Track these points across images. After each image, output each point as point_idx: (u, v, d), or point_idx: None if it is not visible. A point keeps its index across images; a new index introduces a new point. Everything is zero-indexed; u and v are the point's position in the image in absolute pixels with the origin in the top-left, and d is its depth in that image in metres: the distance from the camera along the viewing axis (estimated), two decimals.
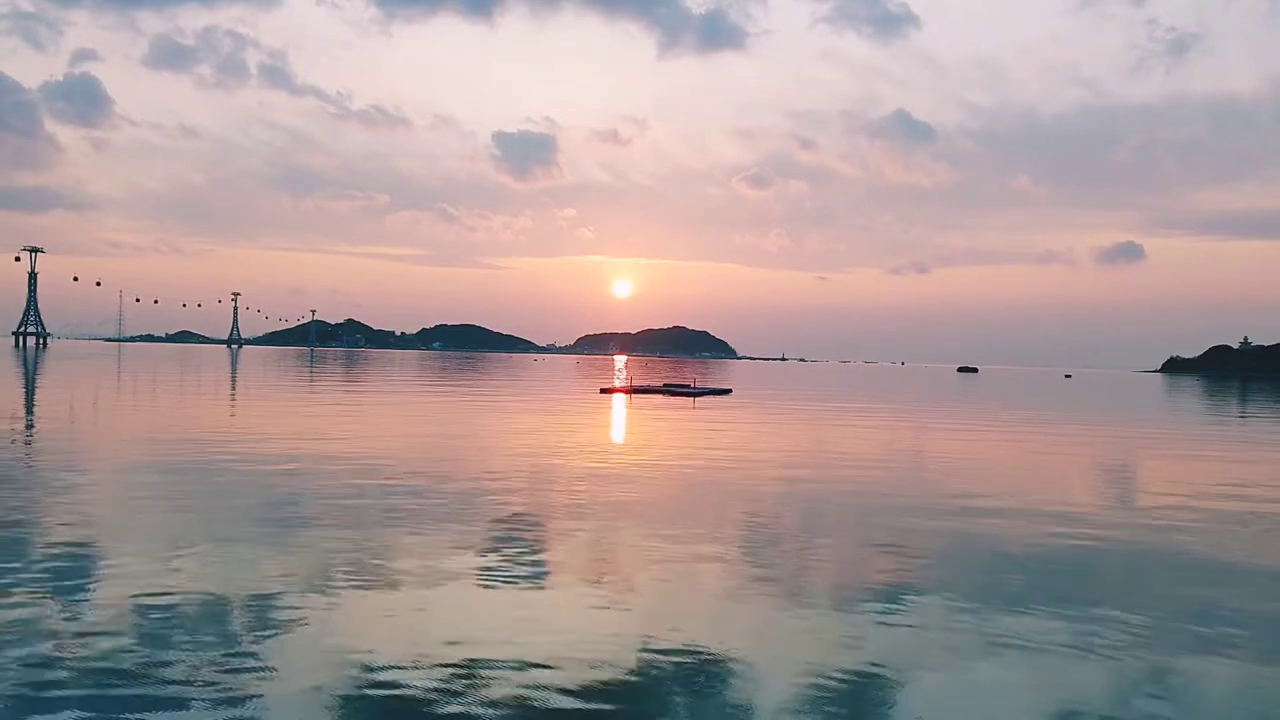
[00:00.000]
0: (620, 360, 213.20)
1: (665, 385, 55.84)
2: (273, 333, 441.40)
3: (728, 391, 56.08)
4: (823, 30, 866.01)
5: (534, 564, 9.60)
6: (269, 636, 6.98)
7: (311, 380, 59.87)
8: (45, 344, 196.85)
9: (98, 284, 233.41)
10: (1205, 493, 16.65)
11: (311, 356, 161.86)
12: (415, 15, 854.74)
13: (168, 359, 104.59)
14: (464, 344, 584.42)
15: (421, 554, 9.82)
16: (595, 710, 5.82)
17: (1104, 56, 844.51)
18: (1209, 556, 11.09)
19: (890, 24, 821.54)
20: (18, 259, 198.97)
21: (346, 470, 16.20)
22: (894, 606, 8.32)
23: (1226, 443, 30.59)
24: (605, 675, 6.40)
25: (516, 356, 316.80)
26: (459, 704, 5.84)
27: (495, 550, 10.14)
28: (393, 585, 8.56)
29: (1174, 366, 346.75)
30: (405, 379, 66.62)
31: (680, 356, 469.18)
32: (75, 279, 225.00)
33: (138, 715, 5.53)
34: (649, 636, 7.27)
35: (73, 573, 8.63)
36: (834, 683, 6.37)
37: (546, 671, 6.41)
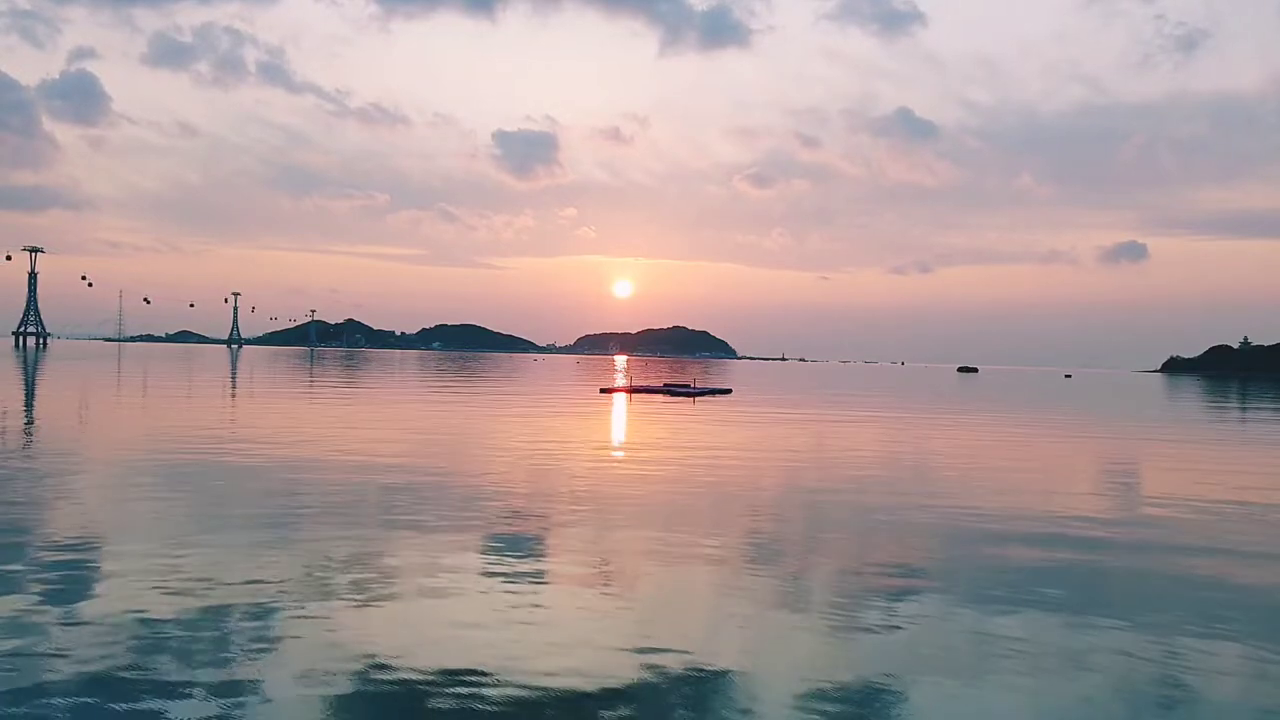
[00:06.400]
0: (620, 360, 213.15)
1: (665, 385, 55.85)
2: (273, 333, 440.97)
3: (728, 391, 56.09)
4: (826, 27, 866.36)
5: (534, 564, 9.60)
6: (269, 637, 6.98)
7: (311, 380, 59.86)
8: (45, 344, 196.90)
9: (83, 278, 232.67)
10: (1204, 492, 16.65)
11: (311, 356, 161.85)
12: (415, 12, 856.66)
13: (168, 359, 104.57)
14: (464, 344, 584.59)
15: (422, 554, 9.83)
16: (596, 712, 5.83)
17: (1110, 53, 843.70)
18: (1210, 556, 11.08)
19: (895, 21, 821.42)
20: (9, 258, 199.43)
21: (346, 470, 16.21)
22: (895, 608, 8.33)
23: (1225, 442, 30.59)
24: (606, 677, 6.40)
25: (516, 356, 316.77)
26: (459, 705, 5.84)
27: (495, 551, 10.14)
28: (393, 586, 8.56)
29: (1174, 366, 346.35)
30: (405, 379, 66.62)
31: (680, 356, 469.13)
32: (88, 284, 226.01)
33: (136, 715, 5.54)
34: (650, 637, 7.28)
35: (72, 573, 8.63)
36: (834, 684, 6.37)
37: (547, 672, 6.42)
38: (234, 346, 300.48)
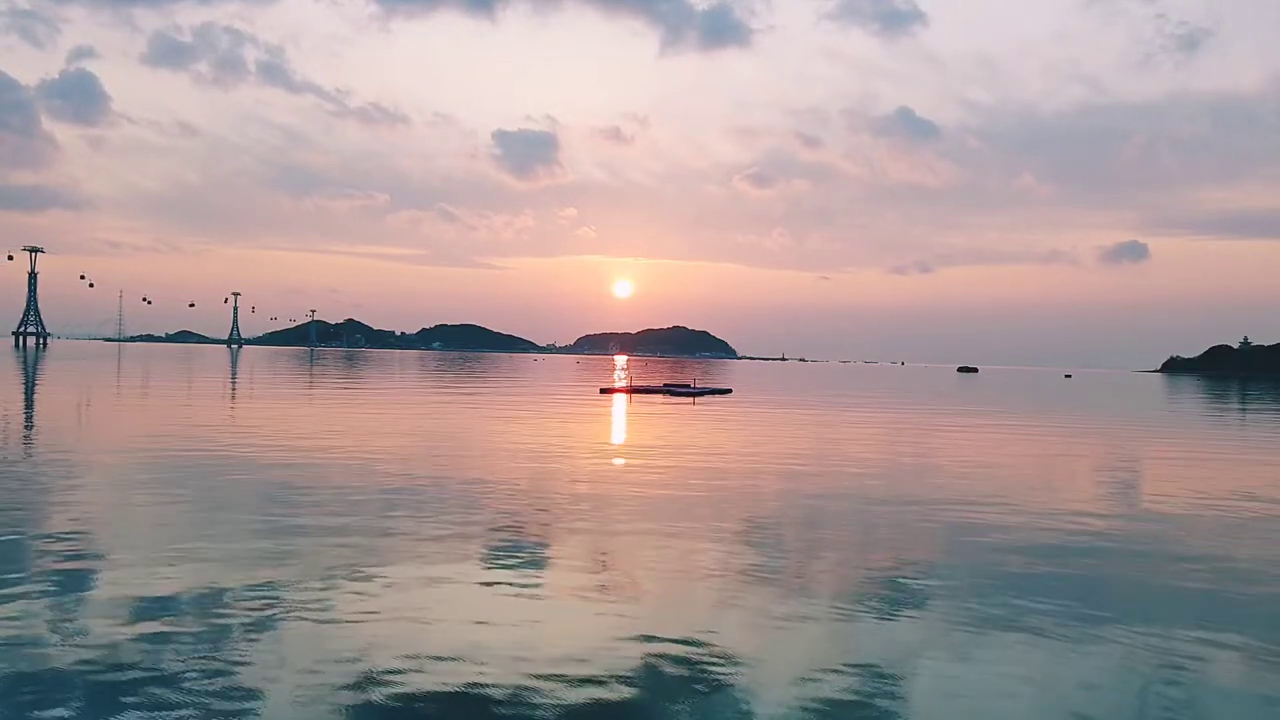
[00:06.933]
0: (620, 360, 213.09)
1: (665, 385, 55.84)
2: (273, 333, 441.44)
3: (728, 391, 56.09)
4: (826, 27, 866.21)
5: (534, 565, 9.60)
6: (267, 639, 6.97)
7: (311, 380, 59.86)
8: (45, 344, 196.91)
9: (82, 277, 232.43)
10: (1204, 491, 16.65)
11: (311, 356, 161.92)
12: (415, 11, 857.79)
13: (168, 359, 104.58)
14: (464, 344, 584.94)
15: (421, 555, 9.82)
16: (600, 711, 5.82)
17: (1110, 53, 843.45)
18: (1210, 556, 11.07)
19: (896, 21, 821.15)
20: (9, 258, 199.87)
21: (345, 471, 16.21)
22: (895, 608, 8.32)
23: (1224, 441, 30.58)
24: (606, 677, 6.39)
25: (516, 356, 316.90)
26: (459, 706, 5.83)
27: (495, 551, 10.13)
28: (392, 587, 8.55)
29: (1174, 366, 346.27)
30: (405, 379, 66.62)
31: (680, 356, 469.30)
32: (89, 284, 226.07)
33: (134, 717, 5.53)
34: (651, 638, 7.27)
35: (69, 573, 8.62)
36: (835, 683, 6.36)
37: (547, 673, 6.41)
38: (234, 346, 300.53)
